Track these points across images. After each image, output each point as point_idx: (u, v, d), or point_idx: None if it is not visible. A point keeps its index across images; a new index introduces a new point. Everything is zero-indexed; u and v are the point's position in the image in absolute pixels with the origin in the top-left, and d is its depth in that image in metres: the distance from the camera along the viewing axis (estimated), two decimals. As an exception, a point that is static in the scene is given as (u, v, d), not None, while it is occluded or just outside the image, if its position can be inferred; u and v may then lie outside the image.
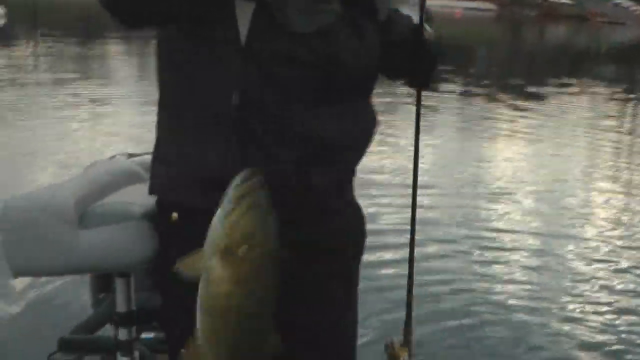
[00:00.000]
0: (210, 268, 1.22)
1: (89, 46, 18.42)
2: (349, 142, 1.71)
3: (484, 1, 70.57)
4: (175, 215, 1.65)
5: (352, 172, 1.78)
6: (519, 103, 13.67)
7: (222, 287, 1.22)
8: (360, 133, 1.75)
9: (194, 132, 1.63)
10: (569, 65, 25.71)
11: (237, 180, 1.23)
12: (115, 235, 1.77)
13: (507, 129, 10.77)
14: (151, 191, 1.72)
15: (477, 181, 7.48)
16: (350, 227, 1.82)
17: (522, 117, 11.89)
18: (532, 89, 16.07)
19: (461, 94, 14.80)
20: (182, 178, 1.64)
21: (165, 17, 1.53)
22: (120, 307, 2.02)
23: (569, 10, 68.35)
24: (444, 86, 14.20)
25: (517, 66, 24.16)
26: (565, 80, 18.56)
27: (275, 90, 1.54)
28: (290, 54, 1.54)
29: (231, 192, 1.22)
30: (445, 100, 12.71)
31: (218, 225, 1.22)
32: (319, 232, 1.71)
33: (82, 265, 1.78)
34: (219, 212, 1.23)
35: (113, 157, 2.42)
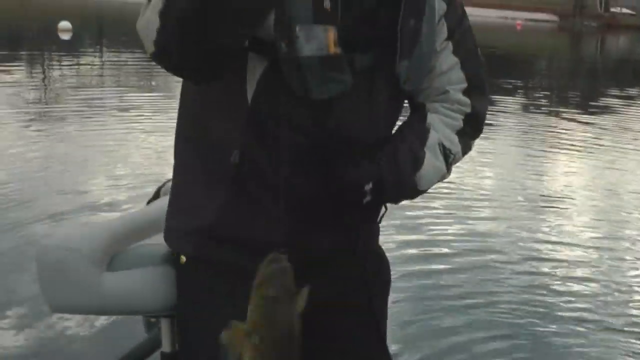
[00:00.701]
0: (241, 347, 1.28)
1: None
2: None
3: (545, 12, 69.67)
4: (183, 258, 1.69)
5: (357, 236, 1.70)
6: (580, 115, 13.53)
7: None
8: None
9: (196, 185, 1.63)
10: (631, 76, 25.24)
11: (261, 265, 1.29)
12: (139, 279, 1.78)
13: (567, 140, 10.69)
14: (164, 238, 1.75)
15: (535, 194, 7.49)
16: (357, 283, 1.74)
17: (582, 130, 11.78)
18: (592, 101, 15.88)
19: (521, 106, 14.71)
20: (182, 229, 1.67)
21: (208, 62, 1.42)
22: (165, 347, 1.99)
23: (631, 21, 67.05)
24: (504, 98, 14.16)
25: (578, 78, 23.84)
26: (627, 92, 18.26)
27: (275, 155, 1.51)
28: (295, 120, 1.50)
29: (255, 279, 1.29)
30: (506, 112, 12.69)
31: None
32: (323, 293, 1.61)
33: (106, 307, 1.81)
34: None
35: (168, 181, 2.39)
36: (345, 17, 1.46)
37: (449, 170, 1.72)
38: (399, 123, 1.73)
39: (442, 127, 1.69)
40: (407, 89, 1.62)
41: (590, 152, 9.91)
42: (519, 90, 16.79)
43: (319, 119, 1.51)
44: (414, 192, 1.68)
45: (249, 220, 1.57)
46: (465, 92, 1.70)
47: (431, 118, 1.69)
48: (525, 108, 14.46)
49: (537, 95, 17.30)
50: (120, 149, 7.87)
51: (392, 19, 1.53)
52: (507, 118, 12.20)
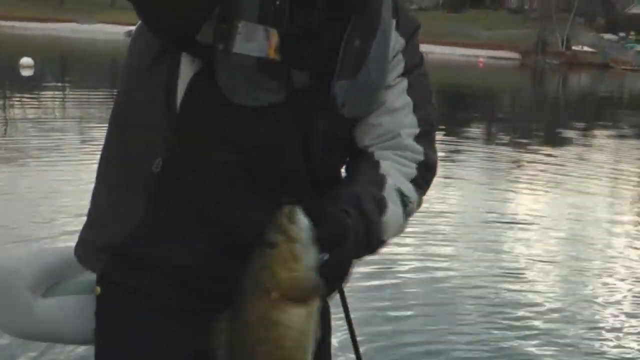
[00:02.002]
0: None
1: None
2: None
3: (507, 50, 70.86)
4: (97, 289, 1.53)
5: None
6: (542, 147, 13.68)
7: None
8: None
9: (113, 194, 1.51)
10: (592, 111, 25.67)
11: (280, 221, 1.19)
12: (72, 306, 1.68)
13: (530, 170, 10.80)
14: (74, 251, 1.60)
15: (498, 223, 7.49)
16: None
17: (545, 160, 11.90)
18: (554, 134, 16.10)
19: (484, 137, 14.85)
20: (93, 243, 1.53)
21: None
22: None
23: (592, 58, 68.44)
24: (468, 131, 14.27)
25: (540, 113, 24.17)
26: (588, 126, 18.53)
27: (197, 166, 1.39)
28: (222, 132, 1.38)
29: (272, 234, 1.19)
30: (468, 145, 12.77)
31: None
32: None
33: (36, 333, 1.74)
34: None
35: None
36: (291, 27, 1.36)
37: (405, 221, 1.51)
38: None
39: (397, 174, 1.51)
40: (346, 115, 1.44)
41: (552, 181, 10.00)
42: (481, 124, 16.95)
43: (248, 134, 1.38)
44: (378, 244, 1.46)
45: (166, 243, 1.43)
46: (417, 139, 1.55)
47: (385, 165, 1.51)
48: (489, 140, 14.61)
49: (500, 128, 17.51)
50: (82, 180, 7.73)
51: (339, 37, 1.41)
52: (470, 150, 12.31)
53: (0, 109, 14.92)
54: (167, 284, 1.44)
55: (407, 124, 1.54)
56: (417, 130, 1.54)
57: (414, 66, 1.56)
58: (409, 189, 1.52)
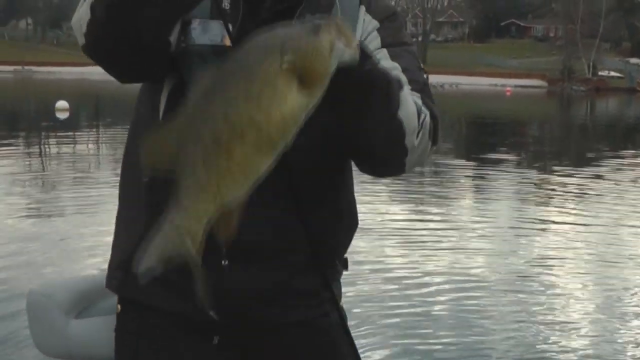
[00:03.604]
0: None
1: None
2: (269, 254, 1.50)
3: (534, 78, 70.77)
4: (118, 307, 1.61)
5: (286, 287, 1.53)
6: (573, 177, 13.67)
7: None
8: (287, 243, 1.51)
9: (122, 211, 1.61)
10: (620, 138, 25.56)
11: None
12: (102, 327, 1.78)
13: (557, 201, 10.85)
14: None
15: (527, 248, 7.61)
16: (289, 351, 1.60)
17: (571, 190, 11.94)
18: (586, 164, 16.10)
19: (514, 168, 14.90)
20: (111, 262, 1.61)
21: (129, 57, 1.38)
22: None
23: (619, 83, 68.01)
24: (497, 158, 14.35)
25: (567, 140, 24.15)
26: (617, 153, 18.49)
27: None
28: None
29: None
30: (497, 172, 12.91)
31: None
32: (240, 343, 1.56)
33: (71, 353, 1.86)
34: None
35: None
36: (245, 22, 1.44)
37: (420, 128, 1.44)
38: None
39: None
40: None
41: (585, 214, 9.94)
42: (511, 154, 17.03)
43: None
44: (394, 103, 1.37)
45: None
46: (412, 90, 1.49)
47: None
48: (519, 171, 14.63)
49: (529, 155, 17.56)
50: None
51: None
52: (500, 180, 12.39)
53: (37, 151, 15.35)
54: (179, 299, 1.46)
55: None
56: (409, 87, 1.47)
57: (395, 43, 1.55)
58: (419, 101, 1.47)
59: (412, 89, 1.47)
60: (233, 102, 1.07)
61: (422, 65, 1.58)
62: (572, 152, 19.11)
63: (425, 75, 1.57)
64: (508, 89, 59.57)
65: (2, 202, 9.07)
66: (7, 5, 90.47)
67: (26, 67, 70.26)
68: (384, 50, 1.52)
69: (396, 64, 1.50)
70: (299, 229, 1.50)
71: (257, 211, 1.34)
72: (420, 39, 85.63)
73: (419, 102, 1.45)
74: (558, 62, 71.79)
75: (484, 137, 22.75)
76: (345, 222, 1.64)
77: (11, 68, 68.83)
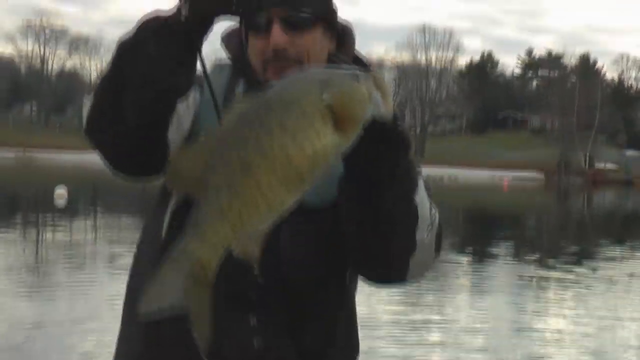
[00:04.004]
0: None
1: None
2: None
3: (530, 170, 71.32)
4: None
5: None
6: (571, 266, 13.63)
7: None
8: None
9: (122, 324, 1.63)
10: (618, 230, 25.59)
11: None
12: None
13: (555, 294, 10.80)
14: None
15: (523, 342, 7.55)
16: None
17: (570, 283, 11.87)
18: (583, 255, 16.07)
19: (512, 259, 14.88)
20: None
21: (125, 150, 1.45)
22: None
23: (616, 176, 68.46)
24: (493, 250, 14.33)
25: (565, 233, 24.16)
26: (614, 246, 18.49)
27: None
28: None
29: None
30: (495, 265, 12.85)
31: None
32: None
33: None
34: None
35: None
36: None
37: (431, 225, 1.47)
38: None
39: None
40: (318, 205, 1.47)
41: (584, 303, 9.95)
42: (509, 245, 17.02)
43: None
44: (412, 180, 1.42)
45: None
46: None
47: None
48: (517, 262, 14.60)
49: (526, 247, 17.54)
50: (115, 306, 7.94)
51: None
52: (498, 272, 12.38)
53: (33, 238, 15.37)
54: None
55: None
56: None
57: None
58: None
59: None
60: (267, 130, 1.06)
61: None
62: (569, 245, 19.08)
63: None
64: (505, 181, 59.92)
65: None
66: (12, 90, 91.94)
67: (27, 151, 70.85)
68: None
69: None
70: (289, 348, 1.48)
71: (245, 319, 1.38)
72: (418, 130, 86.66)
73: (429, 200, 1.48)
74: (555, 154, 72.45)
75: (481, 230, 22.76)
76: (341, 345, 1.60)
77: (12, 152, 69.45)
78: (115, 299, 8.35)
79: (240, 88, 1.56)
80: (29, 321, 7.46)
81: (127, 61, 1.39)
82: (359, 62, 1.60)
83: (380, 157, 1.31)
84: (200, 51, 1.45)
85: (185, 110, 1.43)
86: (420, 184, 1.43)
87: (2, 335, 6.87)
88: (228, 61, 1.63)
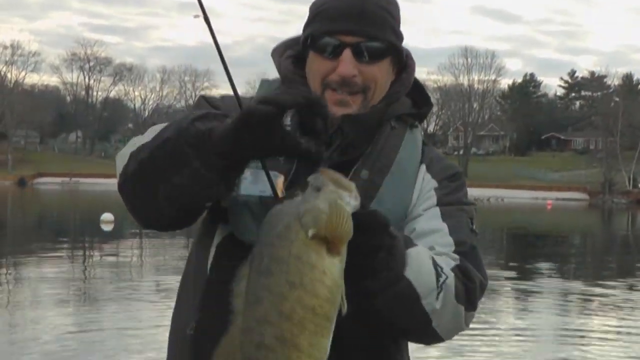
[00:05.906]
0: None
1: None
2: None
3: (574, 191, 70.47)
4: None
5: None
6: (612, 287, 13.55)
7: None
8: None
9: (168, 354, 1.64)
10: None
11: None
12: None
13: (599, 312, 10.78)
14: None
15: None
16: None
17: (613, 302, 11.83)
18: (624, 275, 15.94)
19: (559, 281, 14.80)
20: None
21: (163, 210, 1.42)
22: None
23: (661, 196, 67.33)
24: (539, 269, 14.24)
25: (609, 254, 23.89)
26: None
27: (225, 325, 1.27)
28: None
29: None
30: (541, 284, 12.90)
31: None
32: None
33: None
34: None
35: None
36: (299, 172, 1.42)
37: (440, 295, 1.39)
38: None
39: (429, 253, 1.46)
40: None
41: (626, 326, 9.86)
42: (554, 267, 16.93)
43: None
44: (399, 265, 1.35)
45: None
46: (454, 252, 1.49)
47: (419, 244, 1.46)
48: (563, 283, 14.52)
49: (571, 268, 17.44)
50: (156, 332, 8.16)
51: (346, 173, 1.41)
52: (542, 292, 12.37)
53: (81, 262, 15.73)
54: None
55: (441, 242, 1.49)
56: (453, 248, 1.48)
57: (450, 202, 1.56)
58: (445, 263, 1.43)
59: (455, 251, 1.47)
60: (280, 297, 1.07)
61: (474, 227, 1.57)
62: (614, 265, 18.90)
63: (475, 234, 1.56)
64: (549, 202, 59.31)
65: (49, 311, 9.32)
66: (57, 119, 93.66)
67: (73, 179, 72.09)
68: (437, 209, 1.53)
69: (443, 225, 1.51)
70: None
71: None
72: (461, 152, 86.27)
73: (444, 264, 1.42)
74: (598, 175, 71.54)
75: (526, 250, 22.62)
76: None
77: (59, 179, 70.73)
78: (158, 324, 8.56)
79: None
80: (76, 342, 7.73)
81: (170, 165, 1.35)
82: (418, 89, 1.64)
83: (362, 250, 1.23)
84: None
85: None
86: (414, 256, 1.37)
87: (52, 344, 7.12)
88: (274, 77, 1.63)
